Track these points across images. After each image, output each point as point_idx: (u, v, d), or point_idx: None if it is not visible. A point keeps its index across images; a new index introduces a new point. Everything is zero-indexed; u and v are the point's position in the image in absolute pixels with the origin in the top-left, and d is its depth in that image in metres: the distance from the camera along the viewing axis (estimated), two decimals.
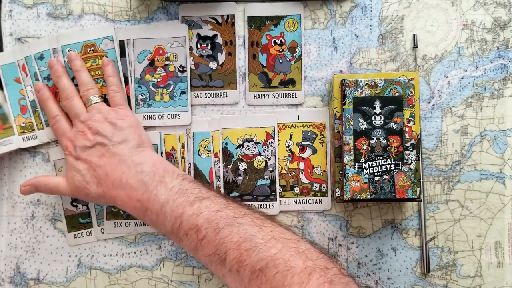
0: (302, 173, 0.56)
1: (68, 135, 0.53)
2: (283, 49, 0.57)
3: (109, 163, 0.50)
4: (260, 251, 0.42)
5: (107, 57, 0.56)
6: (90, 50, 0.57)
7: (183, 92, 0.57)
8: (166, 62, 0.57)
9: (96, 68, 0.56)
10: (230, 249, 0.43)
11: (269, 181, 0.56)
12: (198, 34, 0.57)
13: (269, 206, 0.56)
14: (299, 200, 0.56)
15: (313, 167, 0.56)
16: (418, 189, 0.50)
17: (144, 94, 0.57)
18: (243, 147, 0.57)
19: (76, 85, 0.55)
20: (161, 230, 0.49)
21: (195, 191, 0.47)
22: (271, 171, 0.56)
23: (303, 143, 0.57)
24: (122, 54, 0.57)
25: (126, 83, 0.57)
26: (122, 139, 0.51)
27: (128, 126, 0.52)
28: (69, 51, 0.56)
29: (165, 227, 0.47)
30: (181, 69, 0.57)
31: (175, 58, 0.57)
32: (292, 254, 0.41)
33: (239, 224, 0.44)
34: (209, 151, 0.57)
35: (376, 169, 0.50)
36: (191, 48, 0.57)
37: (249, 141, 0.57)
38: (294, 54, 0.57)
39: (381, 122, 0.50)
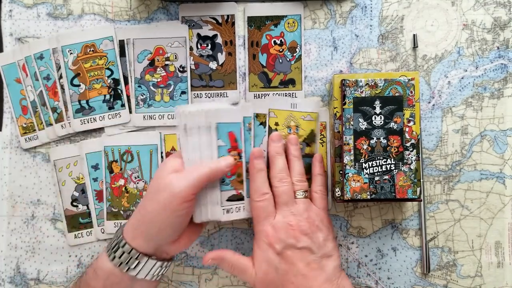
0: None
1: (272, 222, 0.47)
2: (283, 49, 0.57)
3: (313, 277, 0.46)
4: None
5: (106, 57, 0.56)
6: (90, 51, 0.57)
7: (183, 92, 0.57)
8: (166, 62, 0.57)
9: (96, 68, 0.56)
10: None
11: None
12: (198, 34, 0.57)
13: None
14: None
15: None
16: (418, 189, 0.50)
17: (144, 94, 0.57)
18: None
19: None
20: None
21: None
22: None
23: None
24: (122, 53, 0.57)
25: (126, 83, 0.57)
26: (329, 253, 0.47)
27: (333, 238, 0.49)
28: (69, 51, 0.56)
29: None
30: (181, 69, 0.57)
31: (175, 58, 0.57)
32: None
33: None
34: None
35: (376, 169, 0.50)
36: (191, 48, 0.57)
37: None
38: (294, 54, 0.57)
39: (381, 122, 0.50)
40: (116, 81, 0.57)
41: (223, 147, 0.48)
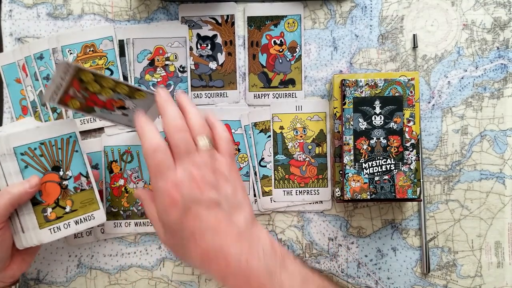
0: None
1: (173, 177, 0.40)
2: (283, 49, 0.57)
3: (224, 233, 0.40)
4: None
5: (106, 57, 0.56)
6: (89, 51, 0.57)
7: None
8: (166, 62, 0.57)
9: (96, 68, 0.56)
10: None
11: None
12: (198, 34, 0.57)
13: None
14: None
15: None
16: (418, 189, 0.50)
17: None
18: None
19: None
20: None
21: (316, 279, 0.41)
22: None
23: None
24: (122, 53, 0.57)
25: None
26: (238, 205, 0.42)
27: (242, 188, 0.43)
28: (69, 51, 0.56)
29: None
30: (181, 69, 0.57)
31: (175, 58, 0.57)
32: None
33: None
34: None
35: (376, 169, 0.50)
36: (191, 48, 0.57)
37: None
38: (294, 54, 0.57)
39: (381, 122, 0.50)
40: None
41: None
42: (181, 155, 0.41)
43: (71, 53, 0.56)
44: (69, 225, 0.49)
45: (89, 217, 0.50)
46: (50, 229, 0.47)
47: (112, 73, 0.57)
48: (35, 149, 0.47)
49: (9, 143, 0.46)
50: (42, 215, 0.47)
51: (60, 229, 0.48)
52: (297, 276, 0.40)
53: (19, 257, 0.49)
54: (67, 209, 0.49)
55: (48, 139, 0.48)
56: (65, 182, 0.49)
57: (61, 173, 0.48)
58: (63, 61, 0.42)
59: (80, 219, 0.49)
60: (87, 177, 0.50)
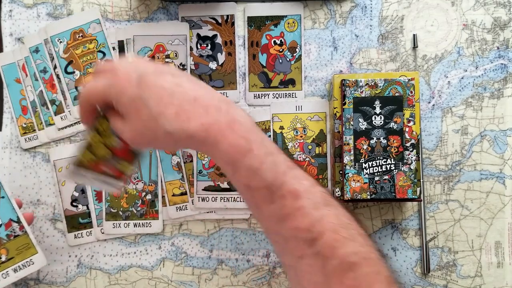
0: None
1: (109, 66, 0.39)
2: (283, 49, 0.57)
3: (190, 83, 0.37)
4: (356, 242, 0.36)
5: (96, 40, 0.56)
6: (79, 36, 0.57)
7: None
8: (166, 60, 0.57)
9: (87, 53, 0.56)
10: (327, 230, 0.35)
11: None
12: (198, 34, 0.57)
13: None
14: None
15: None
16: (418, 189, 0.50)
17: None
18: None
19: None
20: (252, 183, 0.36)
21: (287, 159, 0.38)
22: None
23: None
24: (122, 54, 0.57)
25: None
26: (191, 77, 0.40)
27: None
28: (58, 40, 0.56)
29: (263, 179, 0.36)
30: (181, 67, 0.57)
31: (176, 56, 0.57)
32: (378, 257, 0.37)
33: (335, 207, 0.37)
34: None
35: (376, 169, 0.50)
36: (191, 48, 0.57)
37: None
38: (294, 54, 0.57)
39: (381, 122, 0.50)
40: None
41: None
42: (113, 69, 0.38)
43: (60, 42, 0.56)
44: (7, 274, 0.48)
45: (27, 263, 0.49)
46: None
47: (104, 55, 0.57)
48: None
49: None
50: None
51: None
52: (273, 148, 0.38)
53: None
54: (3, 258, 0.48)
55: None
56: None
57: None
58: (68, 172, 0.41)
59: (19, 266, 0.49)
60: (18, 222, 0.49)
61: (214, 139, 0.35)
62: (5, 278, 0.47)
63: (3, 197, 0.49)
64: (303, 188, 0.36)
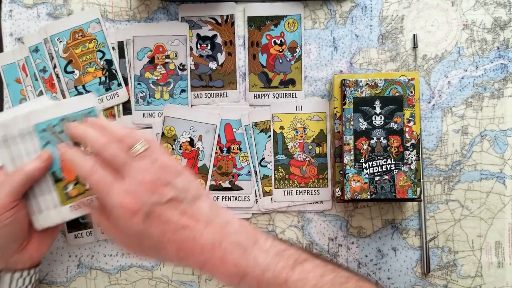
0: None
1: (123, 188, 0.39)
2: (283, 49, 0.57)
3: (194, 224, 0.40)
4: None
5: (96, 40, 0.56)
6: (78, 36, 0.57)
7: (183, 91, 0.57)
8: (166, 60, 0.57)
9: (87, 52, 0.56)
10: None
11: None
12: (198, 34, 0.57)
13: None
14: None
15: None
16: (418, 189, 0.50)
17: (143, 92, 0.57)
18: None
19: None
20: None
21: (291, 252, 0.41)
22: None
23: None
24: (121, 55, 0.57)
25: (126, 84, 0.57)
26: (197, 194, 0.41)
27: (192, 177, 0.43)
28: (58, 40, 0.56)
29: None
30: (181, 67, 0.57)
31: (176, 56, 0.57)
32: None
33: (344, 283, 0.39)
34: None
35: (376, 169, 0.50)
36: (190, 49, 0.57)
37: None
38: (294, 54, 0.57)
39: (381, 122, 0.50)
40: (110, 62, 0.57)
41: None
42: (120, 168, 0.40)
43: (60, 41, 0.56)
44: (91, 200, 0.48)
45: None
46: (71, 206, 0.47)
47: (104, 54, 0.57)
48: (55, 125, 0.46)
49: (29, 121, 0.45)
50: (63, 192, 0.47)
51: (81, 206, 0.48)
52: (271, 250, 0.40)
53: (36, 239, 0.48)
54: (88, 185, 0.48)
55: (68, 115, 0.47)
56: None
57: (82, 148, 0.46)
58: None
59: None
60: None
61: (210, 272, 0.40)
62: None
63: None
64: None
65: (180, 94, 0.57)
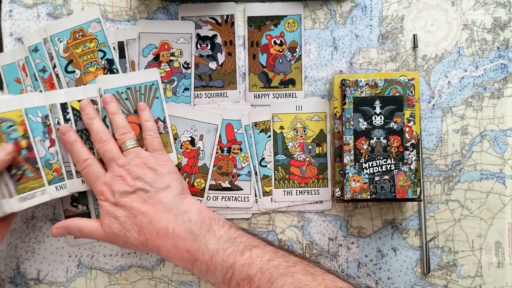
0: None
1: (103, 180, 0.50)
2: (283, 49, 0.57)
3: (153, 211, 0.47)
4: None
5: (96, 40, 0.56)
6: (79, 36, 0.57)
7: (186, 89, 0.57)
8: (171, 58, 0.57)
9: (88, 52, 0.56)
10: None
11: None
12: (198, 34, 0.57)
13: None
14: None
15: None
16: (418, 189, 0.50)
17: None
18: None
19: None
20: (211, 281, 0.46)
21: (244, 239, 0.46)
22: None
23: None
24: (122, 55, 0.57)
25: None
26: (165, 186, 0.49)
27: (168, 172, 0.50)
28: (58, 40, 0.56)
29: (215, 278, 0.45)
30: (185, 66, 0.57)
31: (180, 54, 0.57)
32: None
33: (292, 274, 0.42)
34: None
35: (376, 169, 0.50)
36: None
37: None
38: (294, 54, 0.57)
39: (381, 122, 0.50)
40: (111, 62, 0.57)
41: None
42: (108, 163, 0.51)
43: (60, 41, 0.56)
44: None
45: None
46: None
47: (105, 54, 0.57)
48: (122, 93, 0.54)
49: (100, 85, 0.54)
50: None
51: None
52: (223, 237, 0.46)
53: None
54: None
55: (133, 85, 0.54)
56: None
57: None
58: None
59: None
60: (164, 122, 0.55)
61: (166, 256, 0.47)
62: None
63: (157, 97, 0.55)
64: (254, 271, 0.43)
65: (183, 92, 0.57)
